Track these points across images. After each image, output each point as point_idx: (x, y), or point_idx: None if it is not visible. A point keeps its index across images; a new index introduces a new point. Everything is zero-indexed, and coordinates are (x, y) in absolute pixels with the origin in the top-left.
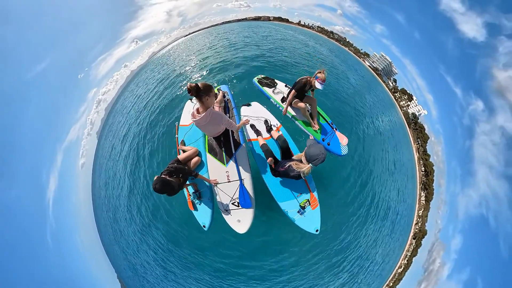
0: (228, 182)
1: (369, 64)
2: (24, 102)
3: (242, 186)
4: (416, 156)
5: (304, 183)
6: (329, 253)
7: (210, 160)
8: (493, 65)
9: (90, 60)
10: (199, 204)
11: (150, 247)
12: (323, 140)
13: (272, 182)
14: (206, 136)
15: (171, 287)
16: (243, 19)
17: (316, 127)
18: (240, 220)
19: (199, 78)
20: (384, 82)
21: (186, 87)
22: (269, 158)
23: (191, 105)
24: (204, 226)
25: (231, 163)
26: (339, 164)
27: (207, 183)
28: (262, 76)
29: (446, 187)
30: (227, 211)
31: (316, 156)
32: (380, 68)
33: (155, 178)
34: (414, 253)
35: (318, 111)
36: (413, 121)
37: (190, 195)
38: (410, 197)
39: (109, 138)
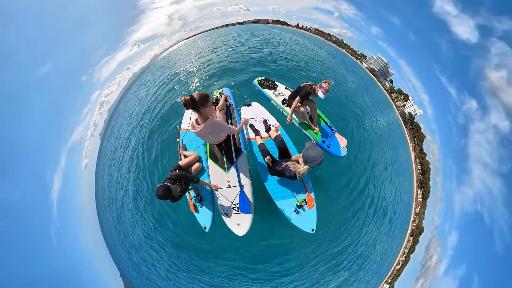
0: (229, 187)
1: (366, 66)
2: (28, 104)
3: (242, 192)
4: (412, 155)
5: (301, 183)
6: (330, 253)
7: (211, 166)
8: (486, 65)
9: (93, 63)
10: (201, 207)
11: (152, 247)
12: (323, 142)
13: (269, 180)
14: (208, 142)
15: (172, 286)
16: (242, 22)
17: (316, 129)
18: (239, 224)
19: (200, 82)
20: (380, 83)
21: (180, 100)
22: (267, 157)
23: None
24: (205, 228)
25: (232, 170)
26: (338, 164)
27: (208, 187)
28: (263, 77)
29: (442, 185)
30: (228, 214)
31: (313, 158)
32: (376, 69)
33: (158, 186)
34: (411, 250)
35: (318, 114)
36: (410, 121)
37: (191, 198)
38: (407, 195)
39: (111, 139)
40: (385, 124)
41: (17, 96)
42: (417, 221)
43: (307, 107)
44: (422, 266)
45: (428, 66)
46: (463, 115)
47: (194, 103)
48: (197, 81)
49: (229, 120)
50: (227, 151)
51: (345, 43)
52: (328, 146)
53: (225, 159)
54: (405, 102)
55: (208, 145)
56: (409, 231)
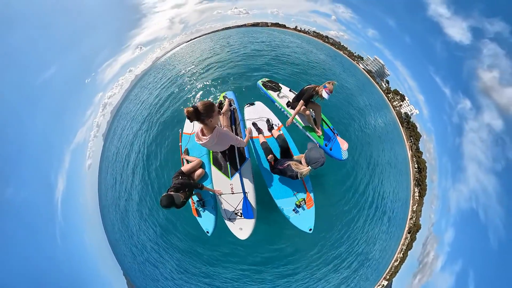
0: (232, 194)
1: (363, 67)
2: (34, 106)
3: (245, 199)
4: (409, 154)
5: (301, 183)
6: (331, 252)
7: (215, 172)
8: (478, 66)
9: (96, 65)
10: (203, 212)
11: (155, 247)
12: (325, 146)
13: (270, 179)
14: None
15: (173, 285)
16: (242, 25)
17: (320, 132)
18: (242, 228)
19: (201, 84)
20: (377, 83)
21: (184, 112)
22: (270, 155)
23: None
24: (207, 232)
25: (236, 177)
26: (337, 165)
27: (211, 192)
28: (267, 79)
29: (438, 182)
30: (231, 219)
31: (316, 160)
32: (373, 71)
33: (162, 196)
34: (409, 246)
35: (321, 117)
36: (406, 120)
37: (194, 202)
38: (405, 193)
39: (114, 140)
40: (382, 124)
41: (22, 98)
42: (414, 219)
43: (311, 110)
44: (419, 262)
45: (423, 67)
46: (458, 115)
47: (199, 115)
48: (198, 83)
49: (233, 127)
50: (231, 158)
51: (343, 45)
52: (330, 150)
53: (228, 166)
54: (401, 102)
55: (211, 152)
56: (406, 229)
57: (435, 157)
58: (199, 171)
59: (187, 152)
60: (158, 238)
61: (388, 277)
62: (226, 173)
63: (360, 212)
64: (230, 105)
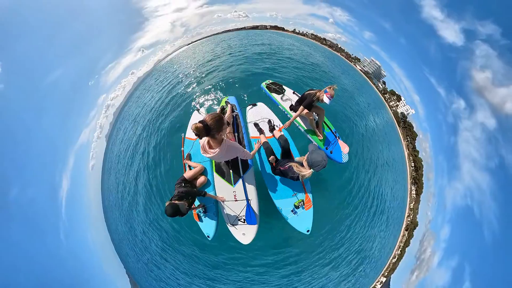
0: (235, 201)
1: (360, 68)
2: (39, 108)
3: (249, 206)
4: (406, 153)
5: (301, 184)
6: (332, 251)
7: (217, 180)
8: (471, 67)
9: (100, 68)
10: (204, 217)
11: (157, 249)
12: (326, 149)
13: (269, 179)
14: None
15: (176, 286)
16: (242, 28)
17: (321, 136)
18: (245, 234)
19: (201, 85)
20: (374, 84)
21: (192, 129)
22: (271, 157)
23: (198, 116)
24: (208, 236)
25: (239, 184)
26: (337, 166)
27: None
28: (270, 81)
29: (435, 180)
30: (234, 225)
31: (319, 163)
32: (370, 72)
33: (166, 204)
34: (406, 243)
35: (324, 121)
36: (402, 120)
37: (195, 207)
38: (402, 192)
39: (116, 141)
40: (380, 125)
41: (28, 100)
42: (411, 216)
43: (315, 113)
44: (417, 259)
45: (418, 68)
46: (452, 114)
47: (209, 131)
48: (199, 86)
49: (236, 134)
50: (234, 165)
51: (340, 47)
52: (331, 153)
53: (231, 173)
54: (397, 103)
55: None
56: (404, 226)
57: (431, 156)
58: (202, 178)
59: (189, 157)
60: (161, 239)
61: (386, 273)
62: (229, 181)
63: (360, 212)
64: (232, 111)
